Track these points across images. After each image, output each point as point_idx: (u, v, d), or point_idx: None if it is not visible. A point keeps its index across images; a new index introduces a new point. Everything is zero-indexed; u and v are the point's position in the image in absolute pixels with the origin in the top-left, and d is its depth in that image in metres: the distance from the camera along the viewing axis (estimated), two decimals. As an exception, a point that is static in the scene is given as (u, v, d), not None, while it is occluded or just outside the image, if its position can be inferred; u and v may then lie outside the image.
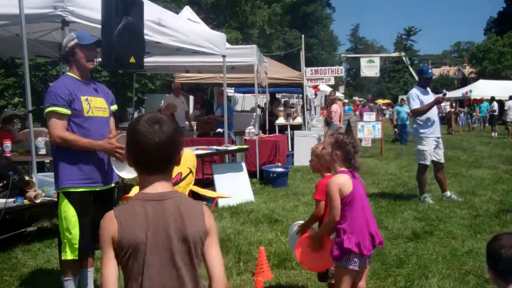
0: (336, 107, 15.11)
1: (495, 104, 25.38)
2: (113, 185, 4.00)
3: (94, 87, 3.89)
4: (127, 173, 3.81)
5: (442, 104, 17.29)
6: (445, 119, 24.29)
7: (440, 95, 8.12)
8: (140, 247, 1.87)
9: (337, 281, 3.48)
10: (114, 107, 4.11)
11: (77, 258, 3.66)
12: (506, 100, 23.56)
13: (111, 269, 1.89)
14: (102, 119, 3.84)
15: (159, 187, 1.96)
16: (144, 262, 1.87)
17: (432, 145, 7.81)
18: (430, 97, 7.85)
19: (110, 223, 1.89)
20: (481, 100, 29.48)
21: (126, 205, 1.99)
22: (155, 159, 1.94)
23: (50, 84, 3.77)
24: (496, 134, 23.50)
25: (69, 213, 3.64)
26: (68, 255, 3.64)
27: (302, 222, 4.16)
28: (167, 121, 1.99)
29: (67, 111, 3.61)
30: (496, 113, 24.98)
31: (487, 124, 27.46)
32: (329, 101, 16.14)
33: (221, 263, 2.03)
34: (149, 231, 1.88)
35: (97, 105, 3.80)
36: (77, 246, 3.63)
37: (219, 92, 12.05)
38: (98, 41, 3.87)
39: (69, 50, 3.77)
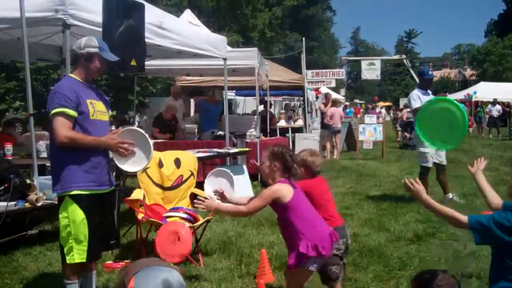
0: (332, 110, 15.19)
1: (498, 107, 25.19)
2: (114, 187, 4.00)
3: (95, 90, 3.91)
4: (129, 166, 3.83)
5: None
6: None
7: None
8: None
9: (291, 279, 3.59)
10: (109, 113, 4.13)
11: (85, 260, 3.64)
12: (509, 102, 23.46)
13: None
14: (104, 123, 3.84)
15: None
16: None
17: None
18: (431, 98, 7.86)
19: None
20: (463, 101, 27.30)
21: None
22: None
23: (52, 86, 3.78)
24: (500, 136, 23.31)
25: (77, 216, 3.60)
26: (76, 258, 3.60)
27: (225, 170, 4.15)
28: None
29: (74, 113, 3.60)
30: (497, 115, 24.73)
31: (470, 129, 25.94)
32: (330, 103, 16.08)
33: None
34: None
35: (100, 108, 3.81)
36: (86, 248, 3.60)
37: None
38: (117, 61, 3.97)
39: (85, 54, 3.74)
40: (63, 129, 3.56)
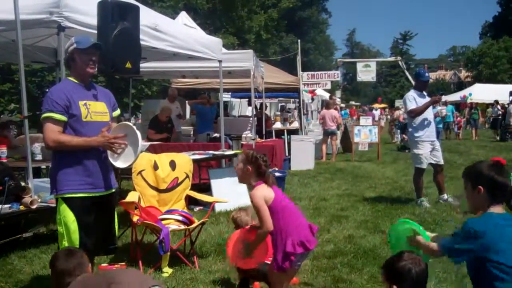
0: (323, 113, 15.29)
1: (499, 108, 25.17)
2: (113, 190, 3.98)
3: (94, 91, 3.87)
4: (122, 162, 3.81)
5: (439, 108, 17.36)
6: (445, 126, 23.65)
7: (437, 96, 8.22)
8: None
9: (278, 280, 3.61)
10: (116, 113, 4.09)
11: None
12: (508, 104, 23.46)
13: None
14: (102, 124, 3.80)
15: None
16: None
17: (427, 148, 7.82)
18: (426, 100, 7.89)
19: None
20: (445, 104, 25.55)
21: None
22: None
23: (47, 88, 3.80)
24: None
25: (68, 218, 3.62)
26: None
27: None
28: None
29: (63, 118, 3.60)
30: (499, 117, 24.62)
31: (457, 131, 25.59)
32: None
33: None
34: None
35: (97, 109, 3.79)
36: None
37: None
38: (95, 44, 3.83)
39: (69, 55, 3.77)
40: (50, 133, 3.57)
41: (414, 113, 7.80)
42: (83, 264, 3.04)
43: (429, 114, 7.87)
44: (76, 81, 3.77)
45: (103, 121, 3.82)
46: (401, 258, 2.56)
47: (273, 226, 3.48)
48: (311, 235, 3.55)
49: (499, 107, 25.39)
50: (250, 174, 3.62)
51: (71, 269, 2.95)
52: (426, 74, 8.35)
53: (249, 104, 16.34)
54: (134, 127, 3.86)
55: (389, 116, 35.42)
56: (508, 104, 24.64)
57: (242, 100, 20.49)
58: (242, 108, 20.89)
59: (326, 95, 25.27)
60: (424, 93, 8.10)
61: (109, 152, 3.78)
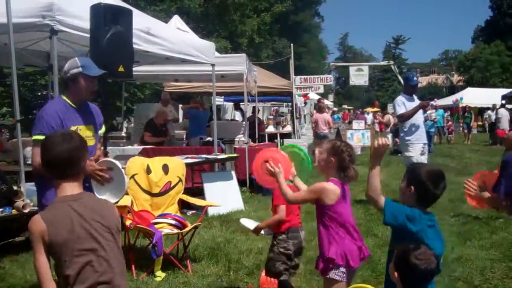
0: (316, 116, 15.34)
1: (495, 112, 25.23)
2: None
3: (86, 112, 3.89)
4: (108, 197, 3.81)
5: (429, 112, 17.43)
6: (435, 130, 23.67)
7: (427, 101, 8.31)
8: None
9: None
10: (102, 131, 4.11)
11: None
12: (498, 108, 23.65)
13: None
14: (89, 149, 3.84)
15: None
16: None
17: (418, 151, 7.91)
18: (416, 104, 7.95)
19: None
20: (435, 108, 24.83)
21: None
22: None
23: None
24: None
25: None
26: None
27: (249, 220, 4.54)
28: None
29: None
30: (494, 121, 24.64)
31: (448, 135, 25.39)
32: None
33: None
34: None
35: (86, 134, 3.81)
36: None
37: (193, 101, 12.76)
38: (104, 73, 3.90)
39: (70, 77, 3.77)
40: (39, 158, 3.58)
41: (403, 118, 7.88)
42: (85, 148, 2.60)
43: (418, 118, 7.94)
44: (70, 103, 3.78)
45: (90, 146, 3.85)
46: (417, 255, 2.54)
47: (323, 225, 3.35)
48: (357, 255, 3.33)
49: (492, 111, 25.39)
50: (332, 167, 3.43)
51: (78, 148, 2.52)
52: (414, 78, 8.44)
53: (235, 108, 16.31)
54: (124, 173, 3.86)
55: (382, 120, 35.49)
56: (499, 107, 24.81)
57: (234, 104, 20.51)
58: (235, 112, 20.90)
59: (323, 101, 25.33)
60: (414, 96, 8.18)
61: (94, 183, 3.80)
